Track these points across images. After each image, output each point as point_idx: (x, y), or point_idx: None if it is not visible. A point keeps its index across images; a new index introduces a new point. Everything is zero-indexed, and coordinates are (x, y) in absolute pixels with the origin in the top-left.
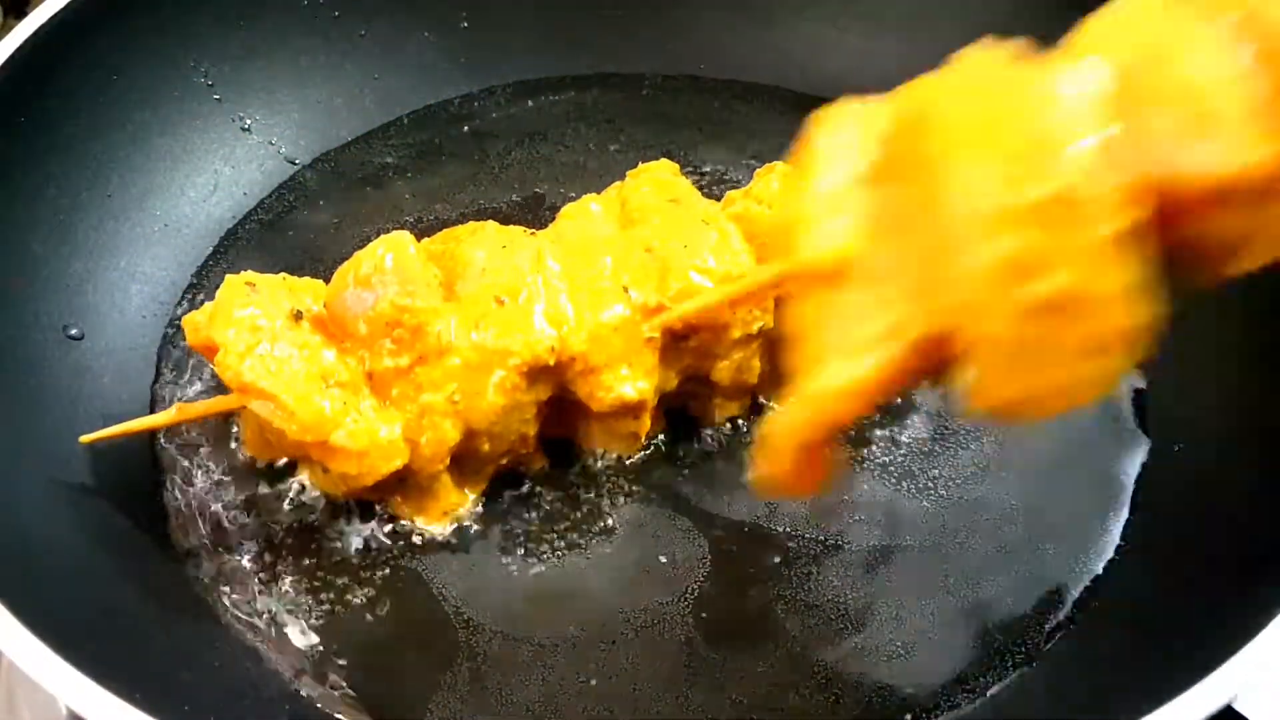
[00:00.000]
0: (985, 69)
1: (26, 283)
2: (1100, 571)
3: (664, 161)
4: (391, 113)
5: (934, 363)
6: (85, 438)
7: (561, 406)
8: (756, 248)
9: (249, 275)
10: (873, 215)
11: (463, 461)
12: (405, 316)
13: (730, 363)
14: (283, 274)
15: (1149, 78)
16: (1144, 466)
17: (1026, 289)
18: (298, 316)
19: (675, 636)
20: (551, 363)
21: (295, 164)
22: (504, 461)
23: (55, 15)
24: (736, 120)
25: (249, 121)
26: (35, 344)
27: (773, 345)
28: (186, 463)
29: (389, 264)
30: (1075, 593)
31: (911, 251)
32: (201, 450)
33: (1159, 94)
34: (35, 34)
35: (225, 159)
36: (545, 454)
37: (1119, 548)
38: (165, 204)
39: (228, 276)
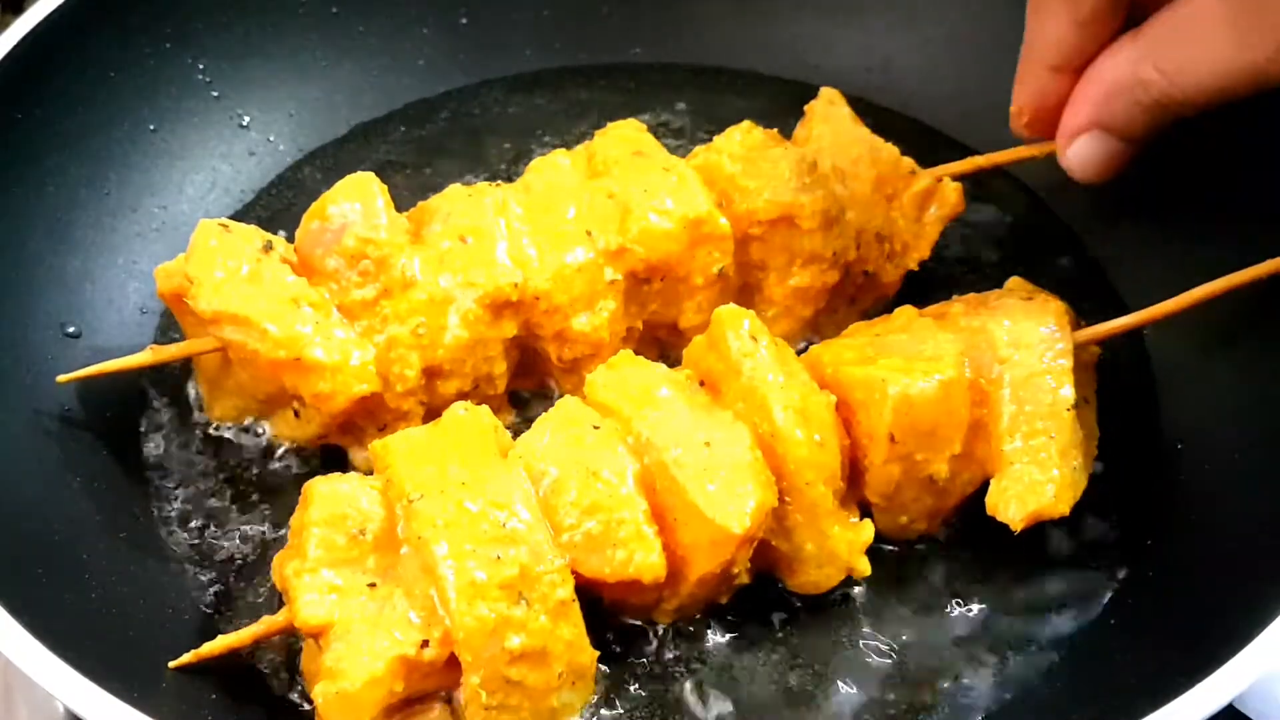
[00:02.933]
0: (451, 468)
1: (24, 281)
2: (1102, 573)
3: (631, 120)
4: (389, 108)
5: (438, 681)
6: (62, 377)
7: (529, 358)
8: (717, 194)
9: (221, 220)
10: (374, 569)
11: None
12: (370, 248)
13: (694, 304)
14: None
15: (573, 490)
16: (1144, 468)
17: (508, 642)
18: (268, 248)
19: None
20: (515, 298)
21: (293, 160)
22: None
23: (53, 12)
24: (736, 112)
25: (247, 118)
26: (33, 342)
27: None
28: (180, 457)
29: (354, 201)
30: (1077, 594)
31: (415, 597)
32: (194, 456)
33: (579, 505)
34: (33, 31)
35: (223, 156)
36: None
37: (1119, 550)
38: (163, 201)
39: (201, 220)
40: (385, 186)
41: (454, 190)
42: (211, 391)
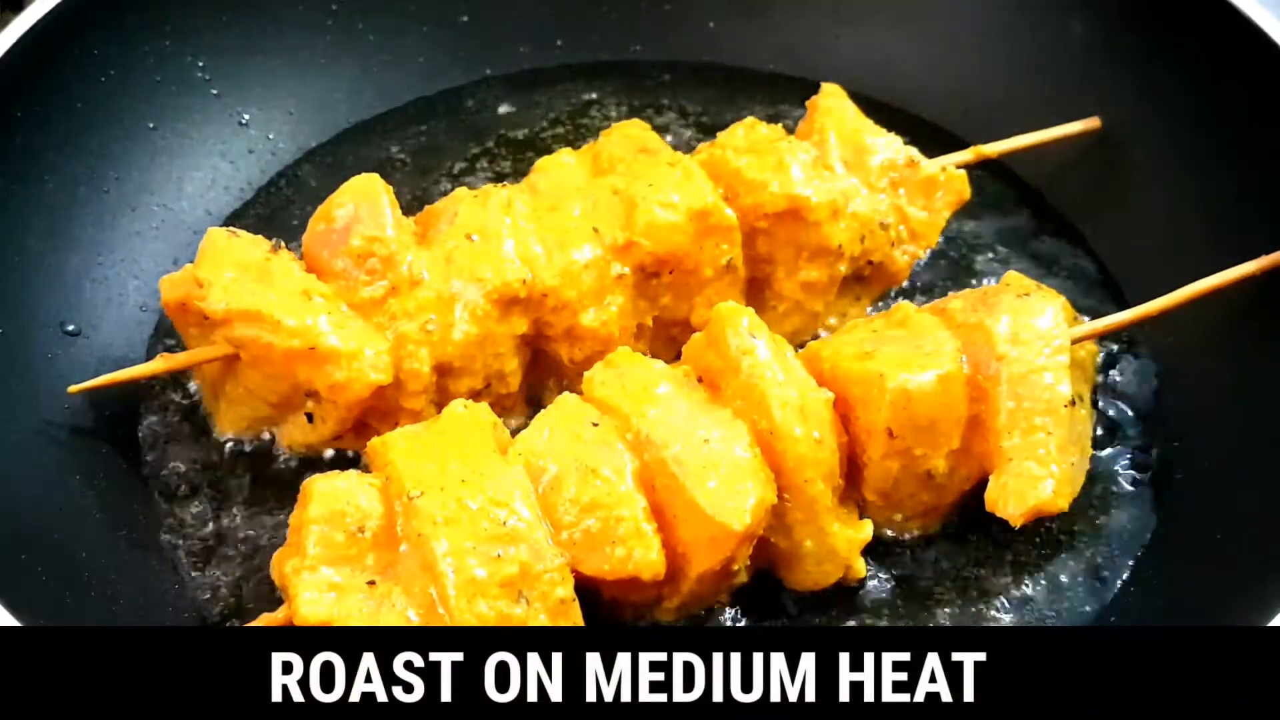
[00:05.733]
0: (454, 471)
1: (24, 280)
2: (1101, 571)
3: (635, 120)
4: (389, 106)
5: None
6: (74, 388)
7: (543, 363)
8: (723, 188)
9: (230, 229)
10: (374, 566)
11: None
12: (376, 246)
13: (704, 299)
14: None
15: (572, 487)
16: (1144, 466)
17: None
18: (276, 248)
19: None
20: (522, 294)
21: (293, 159)
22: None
23: (52, 9)
24: (736, 110)
25: (246, 116)
26: (32, 341)
27: None
28: (179, 455)
29: (359, 202)
30: (1077, 593)
31: (414, 595)
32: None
33: (578, 502)
34: (32, 28)
35: (223, 154)
36: None
37: (1118, 547)
38: (163, 199)
39: (209, 229)
40: (390, 187)
41: (460, 193)
42: (217, 404)
